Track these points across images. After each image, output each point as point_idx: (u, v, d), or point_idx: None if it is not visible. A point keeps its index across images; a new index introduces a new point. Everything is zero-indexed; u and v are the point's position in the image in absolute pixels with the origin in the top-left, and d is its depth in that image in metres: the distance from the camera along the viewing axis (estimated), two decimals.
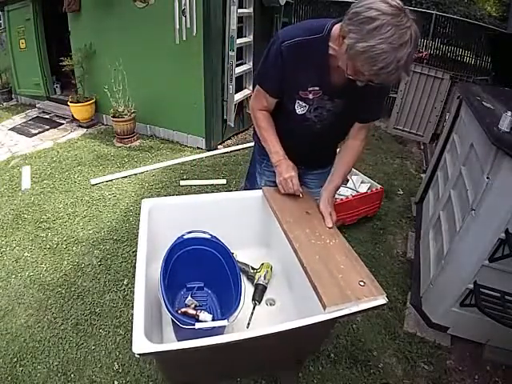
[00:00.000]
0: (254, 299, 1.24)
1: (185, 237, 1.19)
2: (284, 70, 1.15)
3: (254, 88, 1.33)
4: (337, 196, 2.54)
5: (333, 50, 1.06)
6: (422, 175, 3.50)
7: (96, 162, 3.51)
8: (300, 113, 1.24)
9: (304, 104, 1.21)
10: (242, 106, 4.10)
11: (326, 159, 1.48)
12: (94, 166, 3.43)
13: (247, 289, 1.10)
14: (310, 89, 1.17)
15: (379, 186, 2.71)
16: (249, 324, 1.16)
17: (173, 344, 0.82)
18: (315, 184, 1.51)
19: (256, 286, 1.27)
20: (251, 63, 3.99)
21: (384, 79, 0.93)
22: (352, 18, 0.90)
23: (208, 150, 3.85)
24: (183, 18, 3.16)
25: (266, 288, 1.28)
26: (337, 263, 1.03)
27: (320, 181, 1.51)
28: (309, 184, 1.51)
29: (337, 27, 1.04)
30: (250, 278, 1.30)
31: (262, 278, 1.28)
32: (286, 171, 1.29)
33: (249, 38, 3.86)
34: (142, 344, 0.79)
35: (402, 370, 1.65)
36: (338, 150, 1.43)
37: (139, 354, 0.78)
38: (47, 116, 4.80)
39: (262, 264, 1.33)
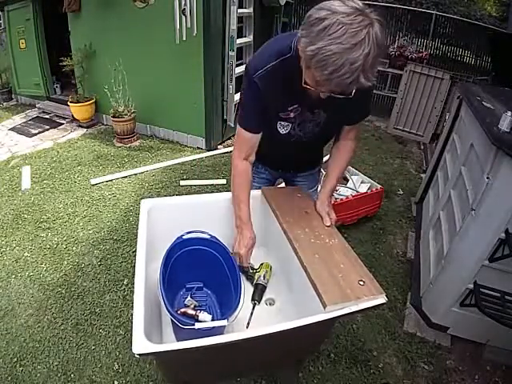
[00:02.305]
0: (253, 299, 1.24)
1: (184, 237, 1.19)
2: (263, 99, 1.11)
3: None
4: (337, 196, 2.55)
5: None
6: (422, 175, 3.50)
7: (96, 162, 3.51)
8: (283, 132, 1.22)
9: (286, 123, 1.20)
10: None
11: (313, 162, 1.52)
12: (93, 166, 3.43)
13: (247, 289, 1.10)
14: (289, 109, 1.15)
15: (379, 186, 2.71)
16: (248, 324, 1.16)
17: (172, 344, 0.82)
18: (307, 186, 1.52)
19: (255, 286, 1.27)
20: None
21: (339, 85, 0.83)
22: (305, 23, 0.84)
23: (208, 150, 3.85)
24: (183, 18, 3.16)
25: (265, 288, 1.28)
26: (336, 262, 1.03)
27: (310, 182, 1.54)
28: (299, 186, 1.51)
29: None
30: (250, 278, 1.30)
31: (262, 277, 1.28)
32: (241, 245, 1.23)
33: (249, 38, 3.86)
34: (141, 344, 0.79)
35: (402, 370, 1.65)
36: (331, 149, 1.41)
37: (139, 355, 0.78)
38: (47, 116, 4.80)
39: (262, 264, 1.33)
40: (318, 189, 1.62)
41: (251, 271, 1.30)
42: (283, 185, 1.67)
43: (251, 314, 1.19)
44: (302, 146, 1.29)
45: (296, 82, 0.98)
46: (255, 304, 1.23)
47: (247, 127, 1.19)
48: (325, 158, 1.75)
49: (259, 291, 1.25)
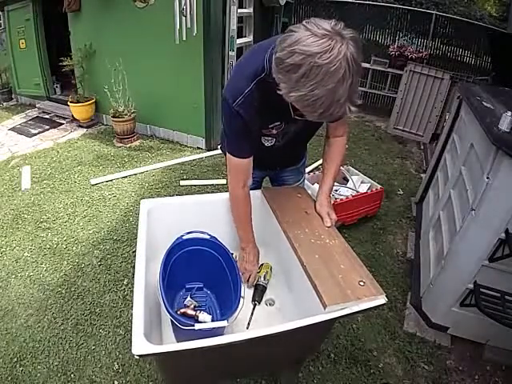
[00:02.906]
0: (253, 300, 1.24)
1: (184, 237, 1.19)
2: (248, 124, 1.08)
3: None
4: (337, 196, 2.55)
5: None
6: (422, 175, 3.50)
7: (96, 162, 3.51)
8: (268, 145, 1.24)
9: (270, 138, 1.22)
10: None
11: (298, 157, 1.55)
12: (93, 166, 3.43)
13: (247, 290, 1.10)
14: (270, 126, 1.16)
15: (379, 186, 2.71)
16: (249, 324, 1.16)
17: (172, 345, 0.82)
18: (293, 179, 1.56)
19: (256, 287, 1.27)
20: None
21: (330, 119, 0.86)
22: (278, 65, 0.81)
23: (208, 150, 3.84)
24: (183, 17, 3.16)
25: (265, 288, 1.28)
26: (336, 263, 1.03)
27: (295, 176, 1.57)
28: (287, 181, 1.55)
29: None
30: (260, 289, 1.29)
31: (262, 278, 1.28)
32: (249, 263, 1.31)
33: (249, 38, 3.86)
34: (141, 345, 0.79)
35: (402, 370, 1.65)
36: (323, 147, 1.40)
37: (139, 356, 0.78)
38: (47, 116, 4.80)
39: (262, 265, 1.33)
40: (316, 188, 1.63)
41: (260, 283, 1.30)
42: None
43: (251, 314, 1.19)
44: (287, 148, 1.30)
45: (275, 100, 0.91)
46: (255, 304, 1.23)
47: (242, 156, 1.16)
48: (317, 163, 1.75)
49: (259, 292, 1.26)
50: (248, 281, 1.29)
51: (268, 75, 0.96)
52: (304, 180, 1.66)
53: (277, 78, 0.83)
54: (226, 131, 1.18)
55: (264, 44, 1.06)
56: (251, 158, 1.19)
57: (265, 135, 1.20)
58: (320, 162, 2.79)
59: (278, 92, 0.85)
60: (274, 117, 1.13)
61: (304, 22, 0.79)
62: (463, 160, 1.94)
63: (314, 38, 0.74)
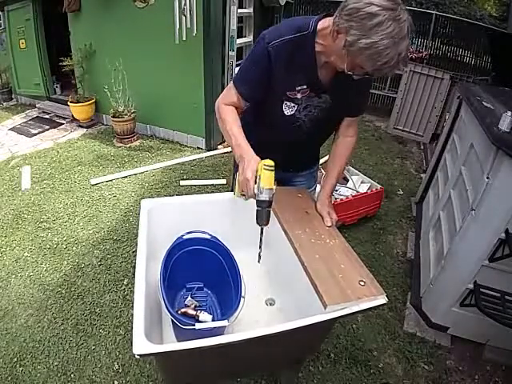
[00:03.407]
0: (257, 223, 1.02)
1: (184, 237, 1.19)
2: (270, 72, 1.10)
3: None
4: (337, 196, 2.55)
5: (321, 47, 1.05)
6: (422, 175, 3.50)
7: (96, 162, 3.51)
8: (288, 114, 1.19)
9: (292, 104, 1.18)
10: None
11: (312, 160, 1.52)
12: (93, 166, 3.43)
13: (247, 288, 1.09)
14: (297, 88, 1.14)
15: (379, 186, 2.71)
16: (260, 256, 1.10)
17: (173, 345, 0.82)
18: (306, 185, 1.51)
19: (257, 204, 1.01)
20: None
21: (386, 73, 0.95)
22: (352, 14, 0.88)
23: (208, 150, 3.85)
24: (183, 17, 3.16)
25: (264, 202, 0.98)
26: (337, 263, 1.03)
27: (309, 181, 1.53)
28: (299, 186, 1.49)
29: (324, 23, 1.04)
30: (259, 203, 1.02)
31: (256, 189, 0.99)
32: (246, 169, 1.01)
33: (249, 38, 3.86)
34: (142, 345, 0.79)
35: (402, 370, 1.65)
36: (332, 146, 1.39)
37: (139, 355, 0.78)
38: (47, 116, 4.80)
39: (257, 172, 1.01)
40: (317, 188, 1.62)
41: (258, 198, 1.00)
42: None
43: (260, 240, 1.07)
44: (302, 138, 1.27)
45: (309, 60, 1.05)
46: (262, 229, 1.05)
47: (239, 89, 1.16)
48: (323, 160, 1.75)
49: (260, 212, 1.01)
50: (248, 190, 1.02)
51: (311, 34, 1.04)
52: (316, 187, 1.59)
53: (347, 26, 0.90)
54: (244, 64, 1.17)
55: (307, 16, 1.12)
56: (240, 104, 1.18)
57: (289, 99, 1.16)
58: (325, 158, 2.76)
59: (317, 48, 1.02)
60: (302, 78, 1.12)
61: None
62: (463, 160, 1.94)
63: (387, 2, 0.86)
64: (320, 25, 1.05)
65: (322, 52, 1.06)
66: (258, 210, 1.01)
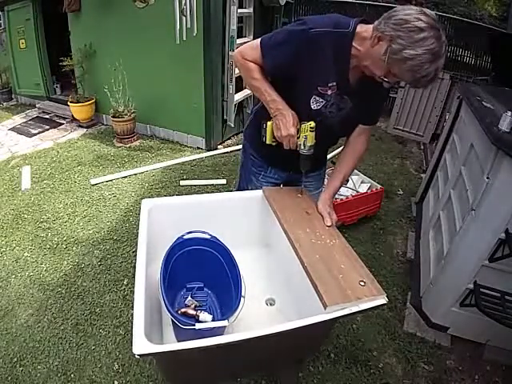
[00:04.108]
0: (301, 168, 1.25)
1: (185, 237, 1.19)
2: (302, 58, 1.08)
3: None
4: (337, 196, 2.54)
5: (355, 50, 1.06)
6: (422, 175, 3.50)
7: (96, 162, 3.51)
8: (315, 108, 1.17)
9: (321, 100, 1.16)
10: (242, 105, 4.10)
11: (322, 161, 1.53)
12: (94, 166, 3.43)
13: (246, 288, 1.09)
14: (329, 84, 1.13)
15: (379, 186, 2.72)
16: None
17: (173, 345, 0.82)
18: (314, 186, 1.51)
19: (299, 157, 1.21)
20: None
21: (421, 86, 1.01)
22: (401, 24, 0.93)
23: (208, 150, 3.84)
24: (183, 17, 3.16)
25: (309, 156, 1.20)
26: (337, 263, 1.03)
27: (317, 182, 1.54)
28: (308, 187, 1.49)
29: (362, 28, 1.05)
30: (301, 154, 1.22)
31: (302, 146, 1.18)
32: (288, 125, 1.15)
33: (249, 38, 3.86)
34: (142, 345, 0.79)
35: (402, 370, 1.65)
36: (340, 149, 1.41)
37: (139, 355, 0.78)
38: (47, 116, 4.80)
39: (299, 128, 1.18)
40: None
41: (300, 152, 1.21)
42: None
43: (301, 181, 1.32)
44: (319, 137, 1.23)
45: (344, 59, 1.07)
46: (305, 172, 1.27)
47: (265, 58, 1.12)
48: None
49: (303, 161, 1.22)
50: (292, 144, 1.19)
51: (350, 33, 1.05)
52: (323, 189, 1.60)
53: (394, 34, 0.94)
54: (275, 35, 1.12)
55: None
56: (264, 75, 1.16)
57: (319, 94, 1.15)
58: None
59: (354, 48, 1.05)
60: (334, 75, 1.12)
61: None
62: (463, 160, 1.94)
63: (430, 19, 0.92)
64: (358, 28, 1.05)
65: (355, 55, 1.07)
66: (302, 160, 1.21)
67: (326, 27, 1.05)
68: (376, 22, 1.00)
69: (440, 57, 0.93)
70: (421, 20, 0.91)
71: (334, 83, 1.13)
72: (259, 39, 1.15)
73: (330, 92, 1.14)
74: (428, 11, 0.95)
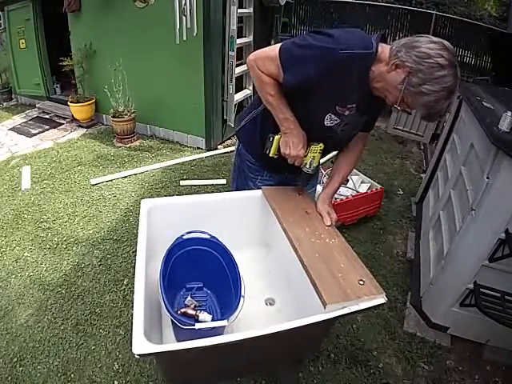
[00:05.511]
0: (298, 181, 1.34)
1: (184, 237, 1.19)
2: (327, 77, 1.03)
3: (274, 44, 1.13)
4: (337, 196, 2.54)
5: (371, 72, 1.03)
6: (422, 175, 3.50)
7: (96, 162, 3.51)
8: (328, 125, 1.15)
9: (336, 118, 1.13)
10: (242, 106, 4.10)
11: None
12: (94, 166, 3.43)
13: (245, 286, 1.09)
14: (349, 106, 1.10)
15: (379, 186, 2.71)
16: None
17: (172, 344, 0.82)
18: (310, 184, 1.51)
19: (300, 172, 1.27)
20: None
21: (432, 120, 1.05)
22: (423, 58, 0.93)
23: (208, 150, 3.84)
24: (183, 17, 3.16)
25: (311, 175, 1.29)
26: (337, 262, 1.03)
27: (313, 180, 1.54)
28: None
29: (381, 48, 1.02)
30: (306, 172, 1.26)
31: (308, 165, 1.22)
32: (297, 146, 1.17)
33: (249, 38, 3.86)
34: (141, 344, 0.79)
35: (402, 370, 1.65)
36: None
37: (139, 355, 0.78)
38: (47, 116, 4.79)
39: (308, 148, 1.21)
40: (318, 188, 1.63)
41: (304, 170, 1.25)
42: None
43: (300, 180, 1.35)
44: (325, 148, 1.25)
45: (365, 81, 1.05)
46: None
47: (285, 73, 1.05)
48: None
49: (302, 177, 1.29)
50: (299, 163, 1.22)
51: (374, 55, 1.02)
52: (316, 187, 1.62)
53: (415, 67, 0.94)
54: (297, 46, 1.04)
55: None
56: (279, 90, 1.11)
57: (336, 113, 1.12)
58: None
59: (368, 73, 1.03)
60: (355, 97, 1.09)
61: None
62: (463, 160, 1.94)
63: (450, 55, 0.93)
64: (380, 48, 1.02)
65: (372, 77, 1.04)
66: (303, 176, 1.28)
67: (355, 49, 0.99)
68: (395, 47, 0.97)
69: (454, 94, 0.96)
70: (443, 57, 0.92)
71: (354, 105, 1.11)
72: (277, 47, 1.07)
73: (347, 113, 1.12)
74: (448, 45, 0.95)
